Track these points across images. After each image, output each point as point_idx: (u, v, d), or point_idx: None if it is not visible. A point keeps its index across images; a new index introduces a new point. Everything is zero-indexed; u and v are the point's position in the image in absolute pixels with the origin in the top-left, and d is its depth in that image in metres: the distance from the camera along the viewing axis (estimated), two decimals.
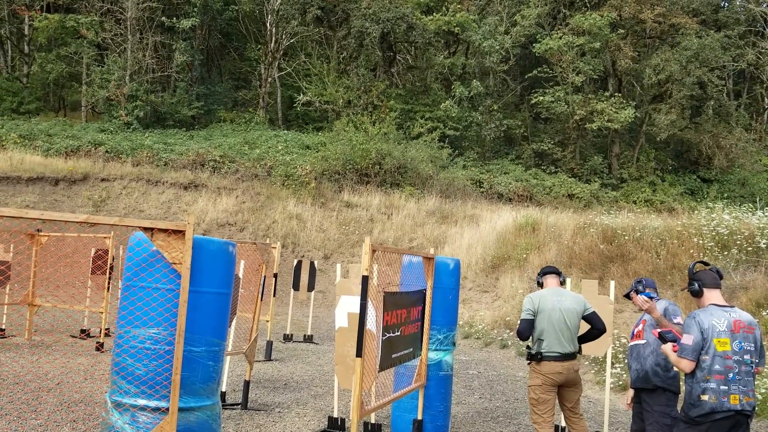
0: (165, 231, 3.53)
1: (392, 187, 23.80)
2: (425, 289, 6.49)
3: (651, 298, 5.17)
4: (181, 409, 3.49)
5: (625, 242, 13.36)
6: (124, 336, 3.54)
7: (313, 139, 27.45)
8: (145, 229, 3.52)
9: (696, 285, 4.48)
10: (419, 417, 6.45)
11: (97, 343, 10.59)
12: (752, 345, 4.28)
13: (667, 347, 4.38)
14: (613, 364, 10.08)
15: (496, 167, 26.86)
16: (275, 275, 10.84)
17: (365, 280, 5.22)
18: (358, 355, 5.01)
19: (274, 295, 11.14)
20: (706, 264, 4.73)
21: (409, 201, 22.80)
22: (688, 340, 4.20)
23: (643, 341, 5.28)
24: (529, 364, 5.67)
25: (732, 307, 4.40)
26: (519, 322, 5.66)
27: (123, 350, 3.53)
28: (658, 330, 4.67)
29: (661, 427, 4.92)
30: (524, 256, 15.77)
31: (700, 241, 12.02)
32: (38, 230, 11.57)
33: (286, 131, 29.08)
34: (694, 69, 25.38)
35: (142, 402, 3.49)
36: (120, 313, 3.58)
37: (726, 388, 4.12)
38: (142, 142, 24.76)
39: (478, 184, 25.07)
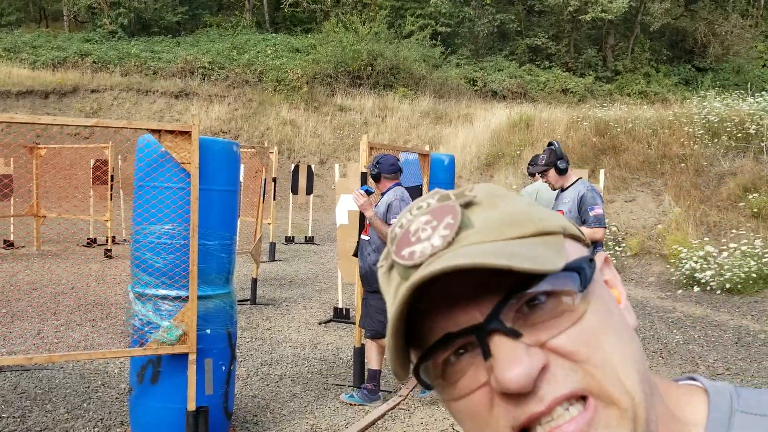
0: (172, 132, 3.69)
1: (385, 89, 23.61)
2: (421, 185, 6.72)
3: (369, 192, 4.78)
4: (199, 297, 3.77)
5: (617, 134, 13.52)
6: (142, 232, 3.77)
7: (302, 41, 26.91)
8: (153, 131, 3.68)
9: (566, 163, 4.83)
10: None
11: (105, 250, 10.93)
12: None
13: None
14: None
15: (490, 64, 26.53)
16: (274, 179, 11.05)
17: (364, 177, 5.43)
18: (355, 254, 5.30)
19: (273, 199, 11.39)
20: (551, 144, 4.94)
21: (403, 102, 22.70)
22: (599, 210, 4.61)
23: (367, 237, 4.96)
24: None
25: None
26: None
27: (142, 245, 3.78)
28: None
29: (375, 323, 4.86)
30: (518, 152, 15.95)
31: (691, 130, 12.18)
32: (36, 143, 11.66)
33: (274, 34, 28.45)
34: None
35: (163, 292, 3.77)
36: (135, 211, 3.80)
37: None
38: (128, 51, 24.30)
39: (471, 82, 24.85)
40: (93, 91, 21.98)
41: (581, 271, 0.53)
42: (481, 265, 0.49)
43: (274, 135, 21.46)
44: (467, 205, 0.56)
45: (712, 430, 0.56)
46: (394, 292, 0.56)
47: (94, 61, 23.28)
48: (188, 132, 3.70)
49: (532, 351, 0.50)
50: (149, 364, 3.82)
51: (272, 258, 11.41)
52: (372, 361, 4.88)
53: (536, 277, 0.51)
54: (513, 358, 0.50)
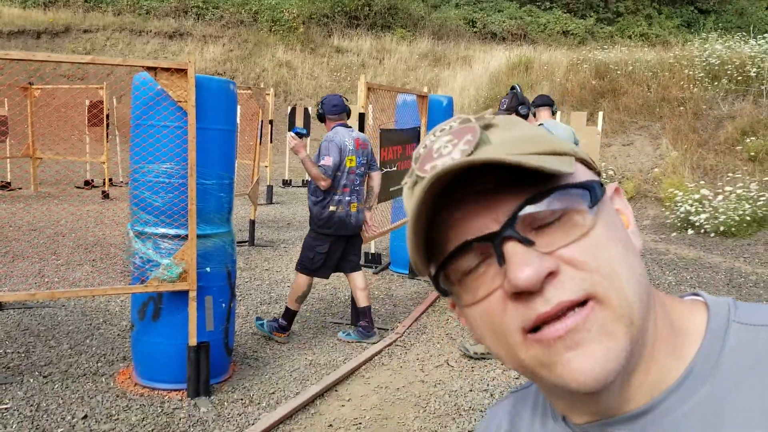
0: (168, 70, 3.66)
1: (383, 30, 23.20)
2: (419, 127, 6.70)
3: (300, 135, 4.85)
4: (198, 236, 3.81)
5: (617, 77, 13.38)
6: (140, 171, 3.78)
7: None
8: (149, 68, 3.65)
9: (527, 108, 4.82)
10: None
11: (103, 192, 10.94)
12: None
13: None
14: None
15: (490, 5, 26.00)
16: (270, 122, 10.98)
17: (362, 117, 5.41)
18: None
19: (270, 142, 11.34)
20: (513, 88, 4.87)
21: (401, 44, 22.34)
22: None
23: None
24: None
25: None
26: None
27: (140, 184, 3.79)
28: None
29: (303, 258, 4.91)
30: None
31: (691, 73, 12.06)
32: (30, 83, 11.52)
33: None
34: None
35: (162, 230, 3.80)
36: (133, 150, 3.80)
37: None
38: None
39: (471, 23, 24.40)
40: (85, 31, 21.56)
41: (591, 190, 0.57)
42: (494, 161, 0.53)
43: (270, 77, 21.17)
44: (486, 127, 0.60)
45: (710, 339, 0.60)
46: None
47: (85, 0, 22.76)
48: (184, 70, 3.67)
49: (543, 257, 0.54)
50: (150, 301, 3.89)
51: (270, 201, 11.45)
52: (359, 300, 4.95)
53: (548, 191, 0.55)
54: (525, 261, 0.54)
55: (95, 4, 22.75)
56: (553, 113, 6.21)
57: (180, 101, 3.69)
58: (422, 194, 0.56)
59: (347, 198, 4.75)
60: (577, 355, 0.54)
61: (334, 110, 4.87)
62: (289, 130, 5.09)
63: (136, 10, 22.74)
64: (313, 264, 4.81)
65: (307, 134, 4.81)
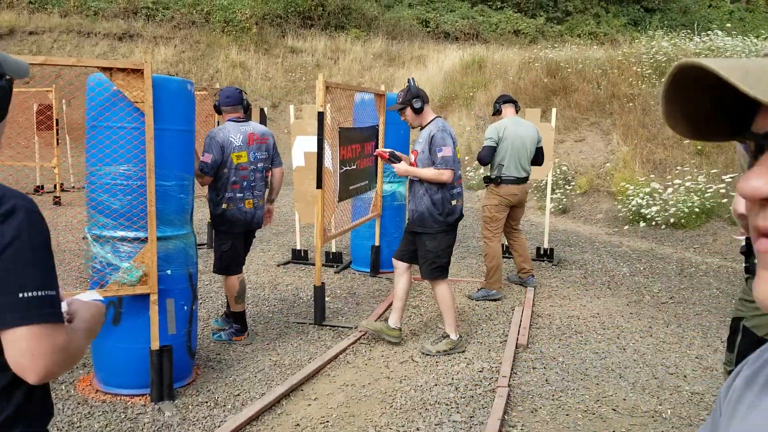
0: (124, 71, 3.60)
1: (337, 30, 23.17)
2: (377, 125, 6.73)
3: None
4: (158, 238, 3.76)
5: (567, 75, 13.66)
6: (96, 173, 3.71)
7: None
8: (104, 69, 3.58)
9: (421, 101, 4.68)
10: (376, 243, 6.95)
11: (54, 197, 10.67)
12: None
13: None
14: (553, 189, 10.74)
15: (442, 5, 26.23)
16: None
17: (321, 116, 5.41)
18: (318, 186, 5.33)
19: None
20: (408, 81, 4.84)
21: (356, 44, 22.34)
22: (447, 152, 4.51)
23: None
24: (486, 186, 6.22)
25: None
26: (482, 148, 6.08)
27: (97, 187, 3.72)
28: None
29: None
30: (471, 94, 15.99)
31: (639, 70, 12.39)
32: None
33: None
34: None
35: (121, 233, 3.74)
36: (89, 152, 3.73)
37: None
38: None
39: (424, 23, 24.57)
40: (31, 33, 20.95)
41: None
42: None
43: (224, 78, 20.93)
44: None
45: None
46: None
47: (30, 1, 22.13)
48: (140, 70, 3.62)
49: None
50: (110, 305, 3.82)
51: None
52: (231, 305, 4.87)
53: None
54: (758, 174, 0.56)
55: (40, 5, 22.14)
56: (517, 111, 6.36)
57: (137, 102, 3.63)
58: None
59: (238, 195, 4.68)
60: (765, 275, 0.57)
61: (228, 101, 4.78)
62: None
63: (84, 12, 22.21)
64: (222, 263, 4.78)
65: None
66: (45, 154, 11.61)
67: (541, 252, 7.64)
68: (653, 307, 5.99)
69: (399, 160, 4.75)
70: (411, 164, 4.71)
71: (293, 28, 22.98)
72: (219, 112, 4.94)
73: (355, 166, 6.21)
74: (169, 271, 3.89)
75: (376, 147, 6.67)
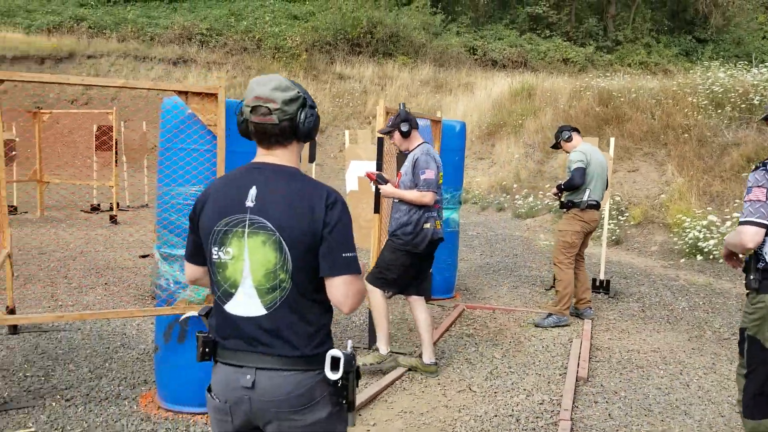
0: (198, 94, 3.69)
1: (385, 57, 23.43)
2: None
3: None
4: None
5: (620, 104, 13.50)
6: (169, 193, 3.79)
7: (301, 8, 26.63)
8: (180, 92, 3.68)
9: (408, 125, 4.70)
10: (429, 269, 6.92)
11: (111, 216, 10.93)
12: None
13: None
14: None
15: (490, 33, 26.33)
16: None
17: (380, 141, 5.44)
18: (376, 211, 5.34)
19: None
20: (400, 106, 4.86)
21: (403, 71, 22.55)
22: (430, 174, 4.54)
23: None
24: (567, 211, 6.14)
25: None
26: (573, 171, 5.95)
27: (168, 206, 3.80)
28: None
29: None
30: (520, 122, 15.93)
31: (695, 100, 12.18)
32: (38, 107, 11.57)
33: (272, 0, 28.11)
34: None
35: None
36: (162, 172, 3.81)
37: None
38: (125, 17, 24.01)
39: (471, 51, 24.69)
40: (89, 57, 21.71)
41: None
42: None
43: None
44: None
45: None
46: None
47: (89, 27, 23.01)
48: (215, 94, 3.70)
49: None
50: (176, 323, 3.88)
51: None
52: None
53: None
54: None
55: (99, 30, 22.98)
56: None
57: (210, 125, 3.72)
58: None
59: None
60: None
61: None
62: None
63: (140, 37, 22.95)
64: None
65: None
66: (102, 174, 11.93)
67: (597, 283, 7.49)
68: (715, 343, 5.80)
69: (386, 182, 4.81)
70: (395, 186, 4.78)
71: (342, 54, 23.33)
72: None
73: None
74: None
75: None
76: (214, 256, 1.95)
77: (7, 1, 24.64)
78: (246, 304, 1.91)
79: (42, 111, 11.44)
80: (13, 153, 10.97)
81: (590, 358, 5.29)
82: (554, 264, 6.24)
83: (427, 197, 4.53)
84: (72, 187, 12.49)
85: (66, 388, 4.23)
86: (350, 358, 1.87)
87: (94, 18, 23.50)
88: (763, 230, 2.97)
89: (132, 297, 6.53)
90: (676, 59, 24.87)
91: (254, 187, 1.92)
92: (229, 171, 2.10)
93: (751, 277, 3.05)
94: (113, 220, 10.77)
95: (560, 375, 4.88)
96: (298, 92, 1.96)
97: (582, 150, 6.07)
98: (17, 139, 11.26)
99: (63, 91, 19.72)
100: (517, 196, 13.35)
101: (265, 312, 1.89)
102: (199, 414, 3.87)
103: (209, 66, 22.09)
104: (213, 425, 1.99)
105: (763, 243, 3.00)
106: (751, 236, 2.96)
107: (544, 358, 5.28)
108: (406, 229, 4.62)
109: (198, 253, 2.04)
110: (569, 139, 6.28)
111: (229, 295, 1.93)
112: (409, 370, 4.83)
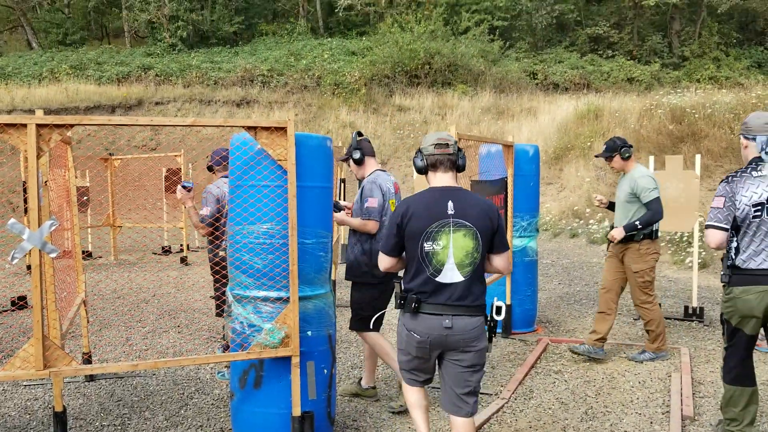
0: (268, 129, 3.56)
1: (444, 87, 23.31)
2: (506, 177, 6.46)
3: (187, 188, 5.02)
4: (299, 298, 3.62)
5: (695, 120, 12.90)
6: (240, 232, 3.65)
7: (358, 44, 26.90)
8: (249, 128, 3.55)
9: (361, 153, 4.66)
10: (507, 302, 6.58)
11: (181, 258, 11.03)
12: None
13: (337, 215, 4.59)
14: (689, 243, 9.98)
15: (550, 56, 25.91)
16: (342, 181, 10.96)
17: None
18: None
19: (344, 200, 11.28)
20: (360, 134, 4.74)
21: (463, 99, 22.35)
22: (373, 203, 4.44)
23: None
24: (638, 242, 5.49)
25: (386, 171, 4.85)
26: (652, 202, 5.35)
27: (240, 246, 3.65)
28: None
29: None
30: (588, 144, 15.45)
31: None
32: (110, 154, 11.88)
33: (329, 39, 28.56)
34: None
35: (263, 293, 3.64)
36: (233, 211, 3.68)
37: None
38: (189, 63, 24.79)
39: (532, 75, 24.32)
40: (157, 104, 22.43)
41: None
42: None
43: (335, 138, 21.40)
44: None
45: None
46: None
47: (156, 74, 23.86)
48: (284, 128, 3.56)
49: None
50: (251, 368, 3.70)
51: (345, 259, 11.31)
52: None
53: None
54: None
55: (165, 77, 23.78)
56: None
57: (280, 159, 3.57)
58: None
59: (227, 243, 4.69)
60: None
61: (218, 161, 5.25)
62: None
63: (205, 81, 23.61)
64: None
65: (192, 186, 4.96)
66: (171, 217, 12.10)
67: (689, 311, 6.98)
68: None
69: (340, 209, 4.72)
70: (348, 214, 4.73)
71: (400, 87, 23.36)
72: (211, 170, 5.40)
73: None
74: (309, 333, 3.74)
75: (506, 199, 6.39)
76: (427, 248, 3.04)
77: (79, 55, 25.84)
78: (451, 275, 3.04)
79: (113, 157, 11.74)
80: (85, 198, 11.23)
81: (693, 393, 4.84)
82: (637, 306, 5.66)
83: (369, 225, 4.50)
84: (143, 230, 12.73)
85: None
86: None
87: (160, 66, 24.36)
88: (721, 232, 3.57)
89: (205, 340, 6.44)
90: (748, 72, 23.84)
91: (450, 201, 3.06)
92: (418, 192, 3.18)
93: (722, 272, 3.71)
94: (184, 261, 10.85)
95: (663, 414, 4.46)
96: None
97: (651, 175, 5.54)
98: (89, 185, 11.55)
99: (133, 137, 20.39)
100: (591, 221, 12.84)
101: (462, 279, 3.05)
102: None
103: (271, 105, 22.47)
104: (408, 349, 3.16)
105: (729, 242, 3.60)
106: (711, 238, 3.61)
107: (642, 395, 4.86)
108: (363, 263, 4.51)
109: (398, 249, 3.16)
110: (629, 158, 5.59)
111: (438, 271, 3.04)
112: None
